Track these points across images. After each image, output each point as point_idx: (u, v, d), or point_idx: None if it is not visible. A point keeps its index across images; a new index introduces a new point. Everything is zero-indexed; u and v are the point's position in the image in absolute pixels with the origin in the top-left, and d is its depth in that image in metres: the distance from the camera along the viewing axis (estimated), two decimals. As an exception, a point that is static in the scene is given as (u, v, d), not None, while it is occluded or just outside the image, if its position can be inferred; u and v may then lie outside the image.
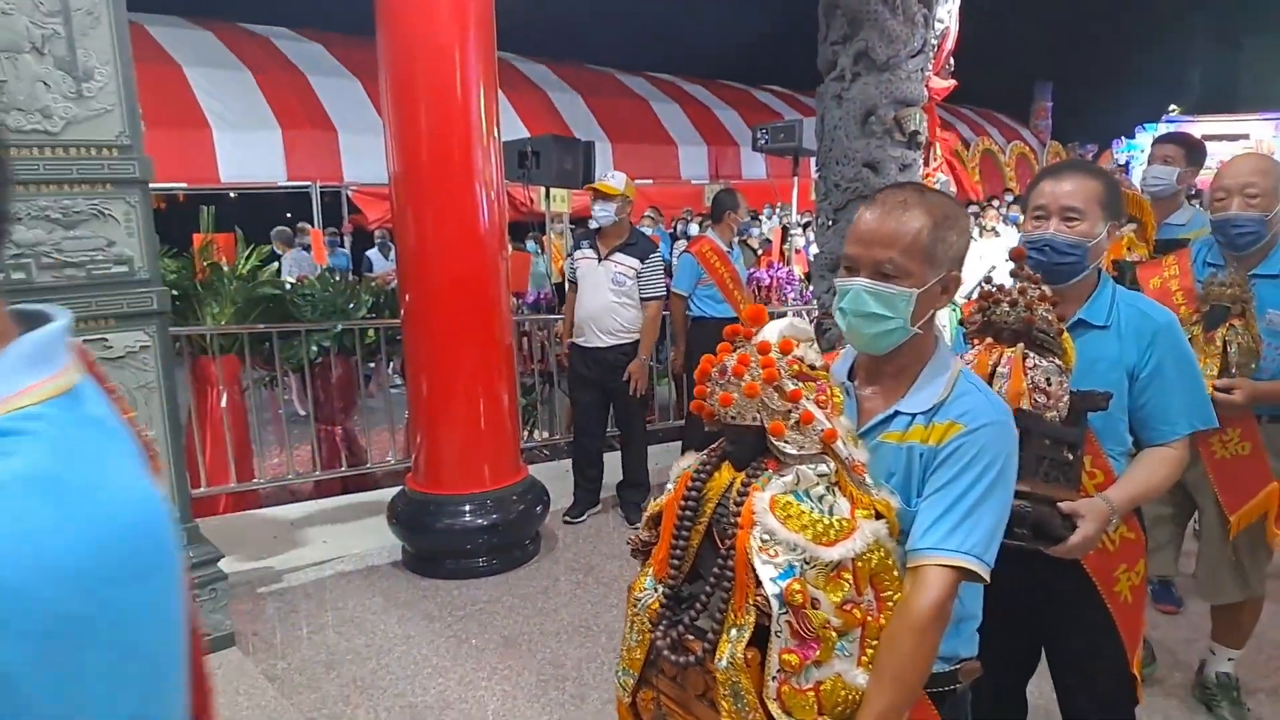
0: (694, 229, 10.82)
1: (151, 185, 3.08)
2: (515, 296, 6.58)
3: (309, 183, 11.93)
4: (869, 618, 1.24)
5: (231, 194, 12.21)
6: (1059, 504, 1.67)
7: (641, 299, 4.52)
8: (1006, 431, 1.34)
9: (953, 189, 6.60)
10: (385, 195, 11.76)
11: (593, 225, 4.56)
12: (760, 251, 9.38)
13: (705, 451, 1.39)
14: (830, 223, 6.02)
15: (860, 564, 1.22)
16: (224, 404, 4.77)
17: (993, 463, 1.29)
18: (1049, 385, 1.69)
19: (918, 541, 1.29)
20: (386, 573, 4.02)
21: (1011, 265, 1.84)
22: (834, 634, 1.20)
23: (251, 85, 11.91)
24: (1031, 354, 1.72)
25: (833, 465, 1.27)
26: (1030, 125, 24.27)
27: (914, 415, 1.36)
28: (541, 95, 15.08)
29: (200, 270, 4.89)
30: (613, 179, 4.53)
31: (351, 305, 5.31)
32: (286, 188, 12.02)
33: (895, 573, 1.27)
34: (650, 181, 15.43)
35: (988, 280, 1.83)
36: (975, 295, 1.86)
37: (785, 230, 8.84)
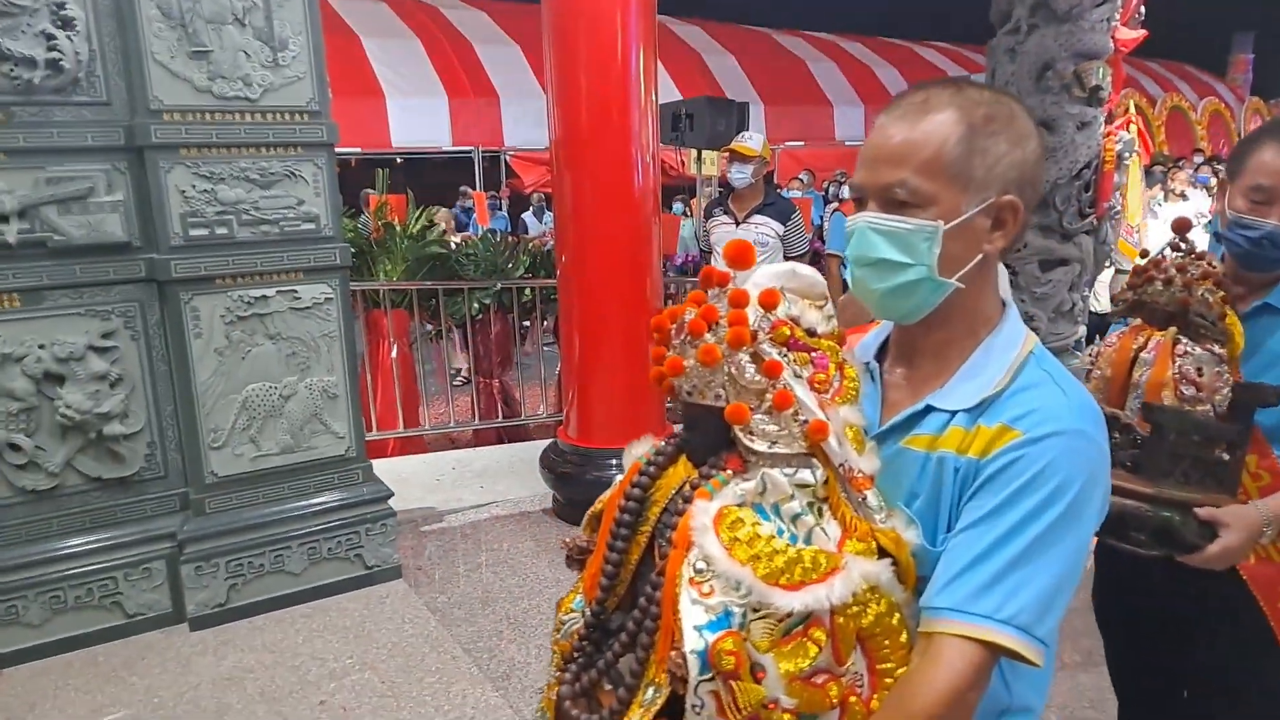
0: (846, 192, 10.54)
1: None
2: (664, 259, 6.65)
3: (471, 148, 12.39)
4: (853, 697, 0.89)
5: (398, 159, 12.85)
6: (1196, 509, 1.47)
7: (787, 257, 4.52)
8: (1089, 446, 0.94)
9: (1137, 148, 6.14)
10: (541, 160, 12.06)
11: (736, 184, 4.54)
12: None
13: (666, 438, 1.06)
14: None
15: (844, 620, 0.87)
16: (394, 355, 5.09)
17: (1061, 490, 0.90)
18: (1200, 376, 1.50)
19: (934, 597, 0.92)
20: (538, 519, 4.21)
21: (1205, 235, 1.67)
22: (786, 718, 0.85)
23: (420, 54, 12.44)
24: (1184, 339, 1.53)
25: (821, 474, 0.92)
26: (1227, 80, 22.05)
27: (953, 413, 0.98)
28: (695, 57, 14.97)
29: (375, 229, 5.21)
30: (750, 140, 4.50)
31: (510, 265, 5.52)
32: (450, 152, 12.52)
33: (903, 638, 0.91)
34: (802, 144, 15.11)
35: (1144, 254, 1.64)
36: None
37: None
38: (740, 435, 0.92)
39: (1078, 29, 5.30)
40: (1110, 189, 5.70)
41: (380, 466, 3.68)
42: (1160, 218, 7.47)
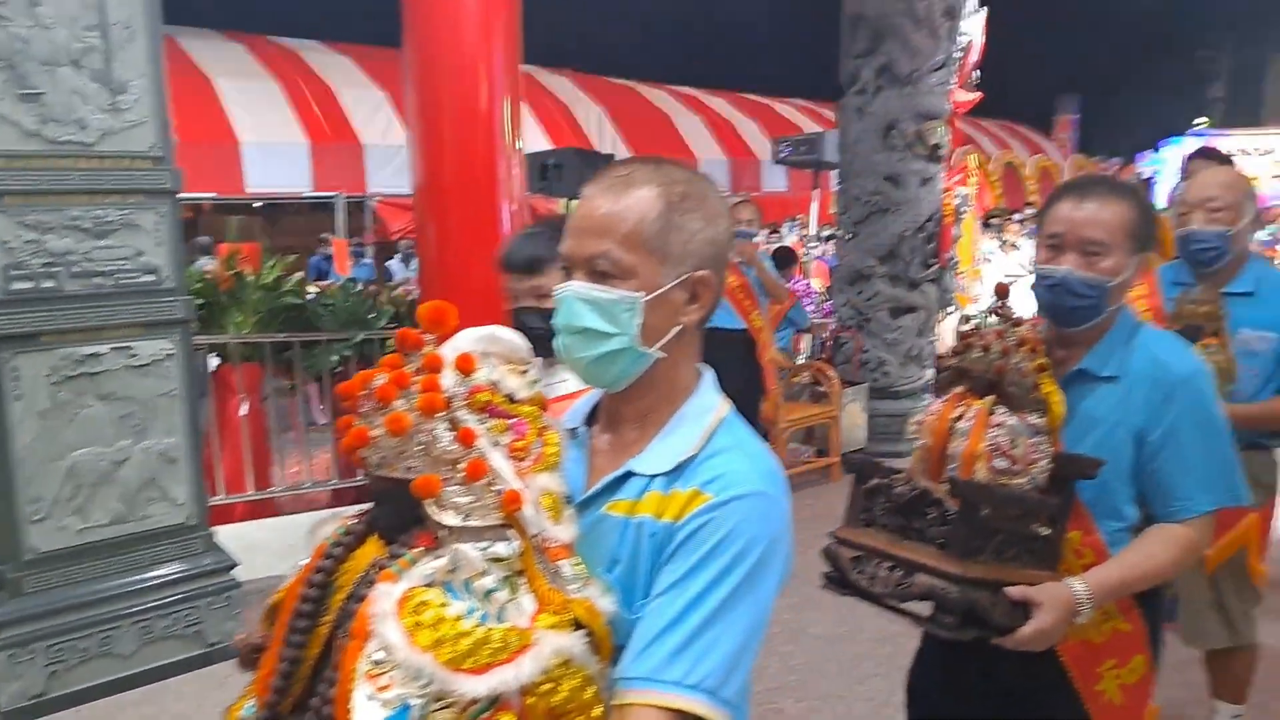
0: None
1: (180, 195, 3.13)
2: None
3: (334, 193, 12.06)
4: None
5: (256, 204, 12.36)
6: (1007, 588, 1.40)
7: None
8: (771, 508, 0.98)
9: (973, 203, 6.60)
10: (408, 206, 11.86)
11: None
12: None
13: (357, 514, 0.99)
14: (850, 235, 6.03)
15: (535, 699, 0.83)
16: (244, 412, 4.81)
17: (744, 553, 0.93)
18: (1013, 448, 1.44)
19: (627, 667, 0.92)
20: (402, 582, 4.03)
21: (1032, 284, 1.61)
22: None
23: (279, 97, 12.06)
24: (999, 409, 1.47)
25: (517, 546, 0.88)
26: (1054, 138, 24.12)
27: (651, 477, 1.00)
28: (563, 108, 15.16)
29: (224, 279, 4.95)
30: None
31: (372, 315, 5.35)
32: (312, 198, 12.15)
33: (597, 711, 0.88)
34: (671, 194, 15.45)
35: (965, 320, 1.60)
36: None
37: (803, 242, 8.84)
38: (431, 509, 0.87)
39: (918, 91, 5.70)
40: (950, 240, 6.09)
41: (226, 533, 3.46)
42: (994, 264, 8.02)
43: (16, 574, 2.84)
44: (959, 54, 5.94)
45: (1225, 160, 3.63)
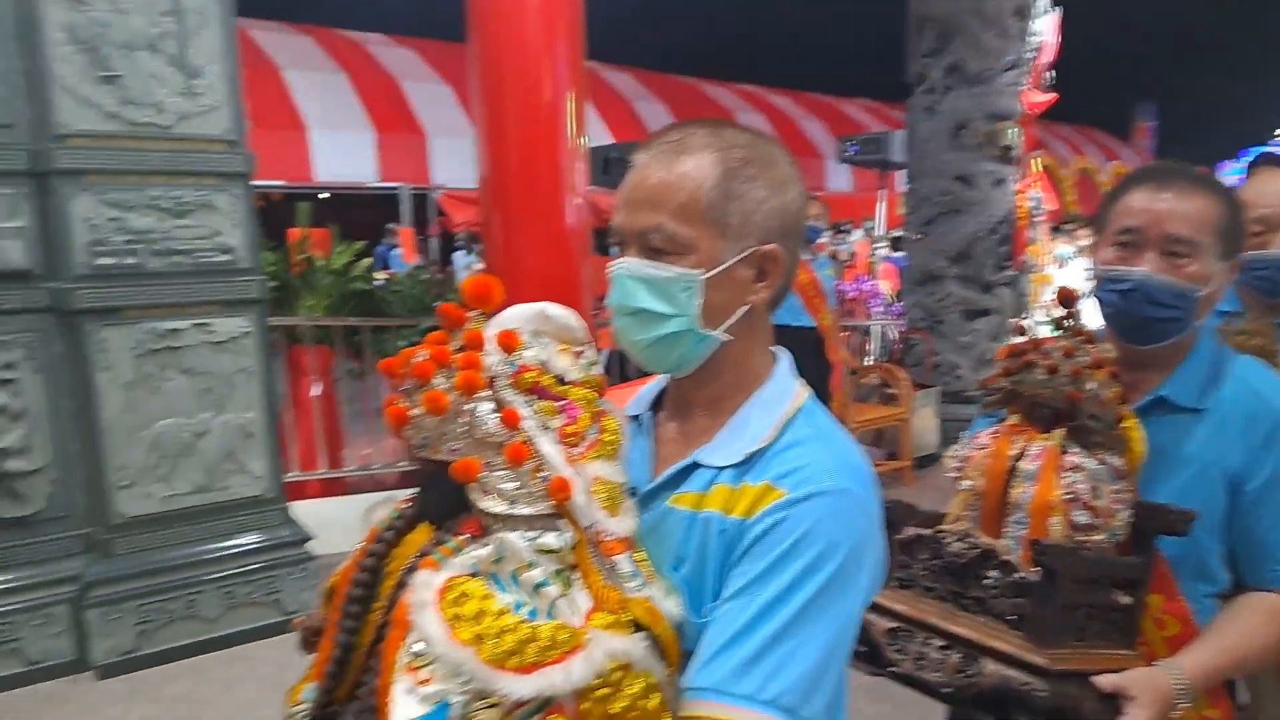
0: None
1: (251, 182, 3.23)
2: (597, 299, 6.66)
3: (398, 184, 12.26)
4: None
5: (324, 194, 12.63)
6: (1095, 678, 1.13)
7: None
8: (854, 508, 0.88)
9: (1047, 207, 6.45)
10: (470, 199, 12.02)
11: None
12: (846, 264, 9.33)
13: (410, 497, 0.94)
14: (919, 236, 5.95)
15: (590, 705, 0.76)
16: (316, 393, 4.94)
17: (825, 556, 0.84)
18: (1095, 498, 1.15)
19: (695, 676, 0.83)
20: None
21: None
22: None
23: (347, 88, 12.29)
24: (1073, 448, 1.18)
25: (570, 537, 0.82)
26: (1131, 144, 23.45)
27: (719, 469, 0.91)
28: (626, 104, 15.20)
29: (296, 264, 5.09)
30: None
31: (438, 303, 5.45)
32: (377, 189, 12.37)
33: None
34: (730, 191, 15.38)
35: (1021, 331, 1.29)
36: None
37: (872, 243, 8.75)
38: (474, 494, 0.82)
39: (990, 91, 5.61)
40: (1024, 244, 5.97)
41: (301, 509, 3.56)
42: (1069, 269, 7.81)
43: (106, 536, 2.97)
44: (1031, 54, 5.82)
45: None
